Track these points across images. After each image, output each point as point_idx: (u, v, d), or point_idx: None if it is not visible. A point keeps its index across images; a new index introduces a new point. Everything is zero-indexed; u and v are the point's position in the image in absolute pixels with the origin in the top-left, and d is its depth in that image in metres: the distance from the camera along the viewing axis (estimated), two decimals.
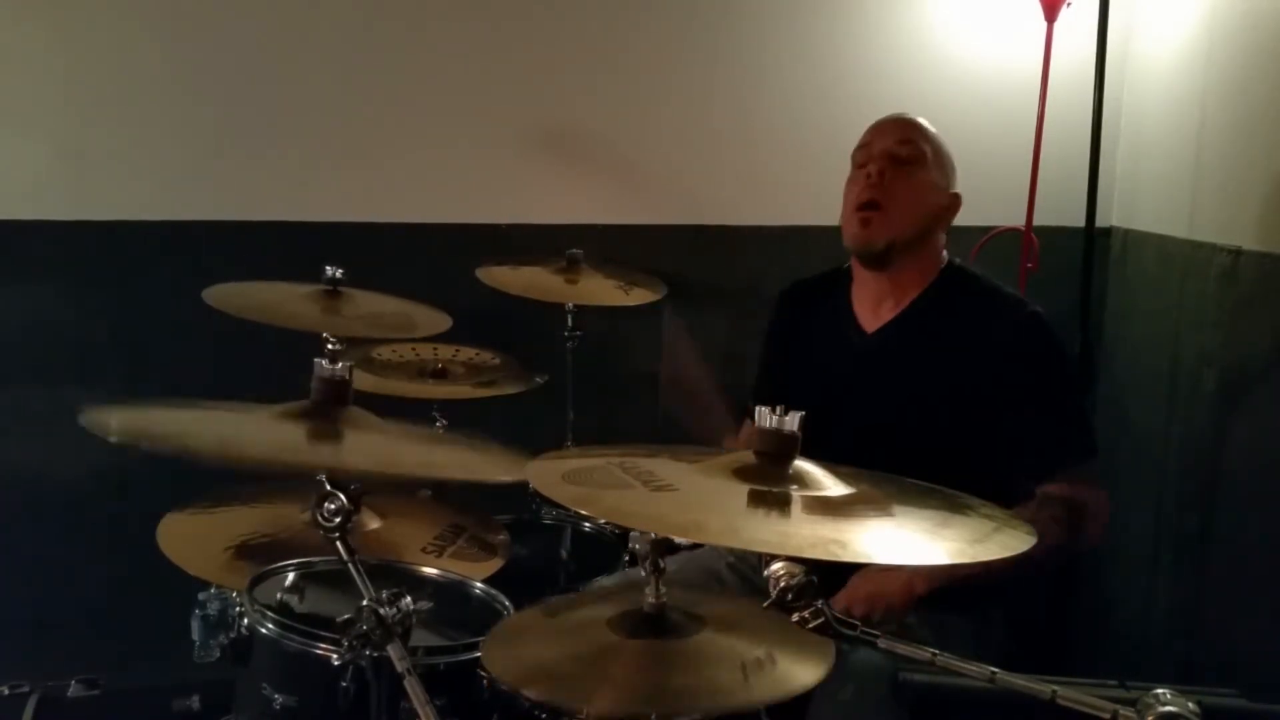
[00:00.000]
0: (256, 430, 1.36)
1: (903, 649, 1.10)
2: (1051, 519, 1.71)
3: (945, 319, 1.89)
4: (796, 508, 1.17)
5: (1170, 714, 0.94)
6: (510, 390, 2.29)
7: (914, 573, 1.72)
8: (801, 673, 1.22)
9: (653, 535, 1.24)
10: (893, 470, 1.34)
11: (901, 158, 1.88)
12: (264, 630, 1.43)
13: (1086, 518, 1.78)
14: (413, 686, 1.17)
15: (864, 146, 1.94)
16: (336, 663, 1.26)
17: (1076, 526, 1.75)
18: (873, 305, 1.96)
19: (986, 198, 2.63)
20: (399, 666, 1.18)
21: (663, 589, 1.27)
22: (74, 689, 1.92)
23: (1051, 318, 1.85)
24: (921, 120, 1.96)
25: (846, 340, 1.97)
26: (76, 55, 2.56)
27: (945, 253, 1.97)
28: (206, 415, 1.46)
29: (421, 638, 1.38)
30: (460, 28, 2.65)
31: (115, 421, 1.31)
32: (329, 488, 1.26)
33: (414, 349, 2.38)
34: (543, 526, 2.26)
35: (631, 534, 1.27)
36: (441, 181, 2.68)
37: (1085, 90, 2.53)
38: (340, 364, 1.42)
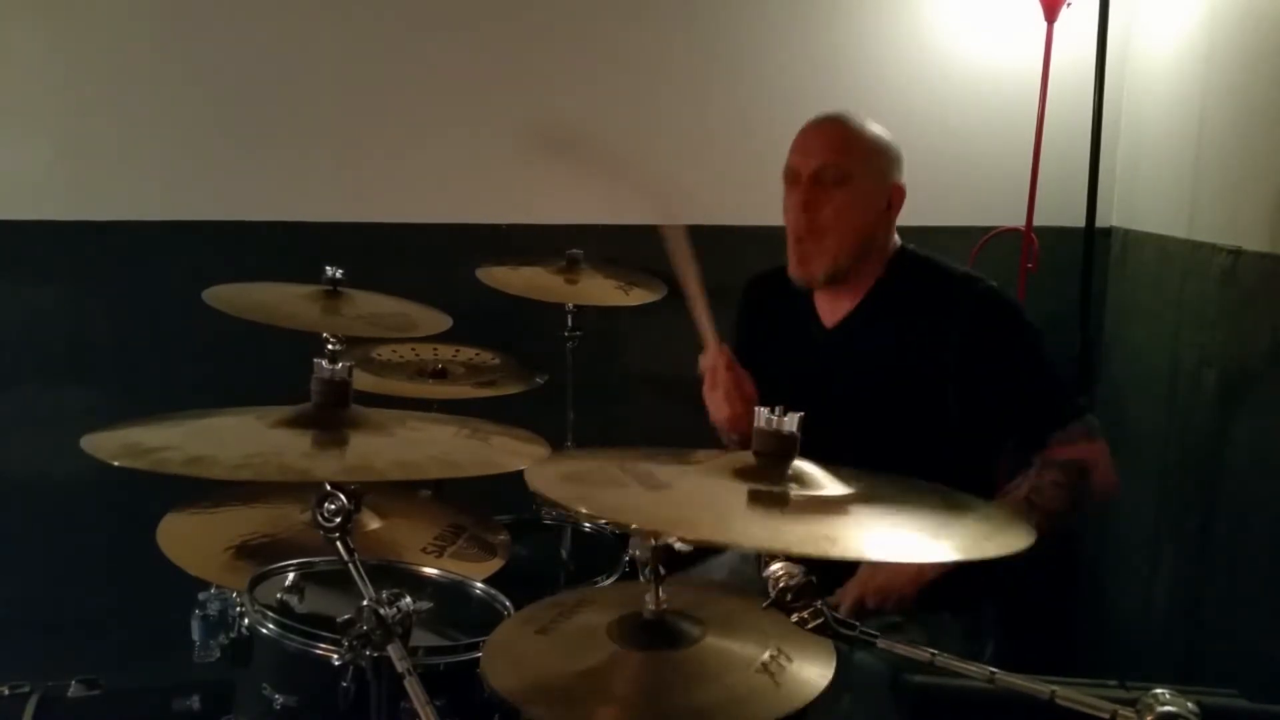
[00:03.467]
0: (261, 443, 1.35)
1: (902, 649, 1.10)
2: (1053, 484, 1.74)
3: (901, 306, 1.89)
4: (794, 506, 1.17)
5: (1170, 714, 0.94)
6: (510, 390, 2.29)
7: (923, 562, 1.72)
8: (812, 673, 1.22)
9: (653, 541, 1.24)
10: (865, 463, 1.34)
11: (826, 182, 1.83)
12: (264, 630, 1.42)
13: (1090, 472, 1.78)
14: (413, 686, 1.17)
15: (791, 168, 1.88)
16: (336, 663, 1.26)
17: (1081, 484, 1.76)
18: (830, 300, 1.96)
19: (986, 198, 2.65)
20: (399, 666, 1.18)
21: (663, 596, 1.27)
22: (74, 689, 1.92)
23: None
24: (849, 123, 1.87)
25: (808, 335, 1.98)
26: (76, 55, 2.56)
27: (896, 238, 1.94)
28: (208, 426, 1.45)
29: (421, 638, 1.38)
30: (460, 28, 2.65)
31: (116, 449, 1.29)
32: (329, 488, 1.26)
33: (414, 349, 2.38)
34: (543, 526, 2.26)
35: (631, 540, 1.27)
36: (441, 181, 2.68)
37: (1085, 90, 2.53)
38: (340, 364, 1.42)
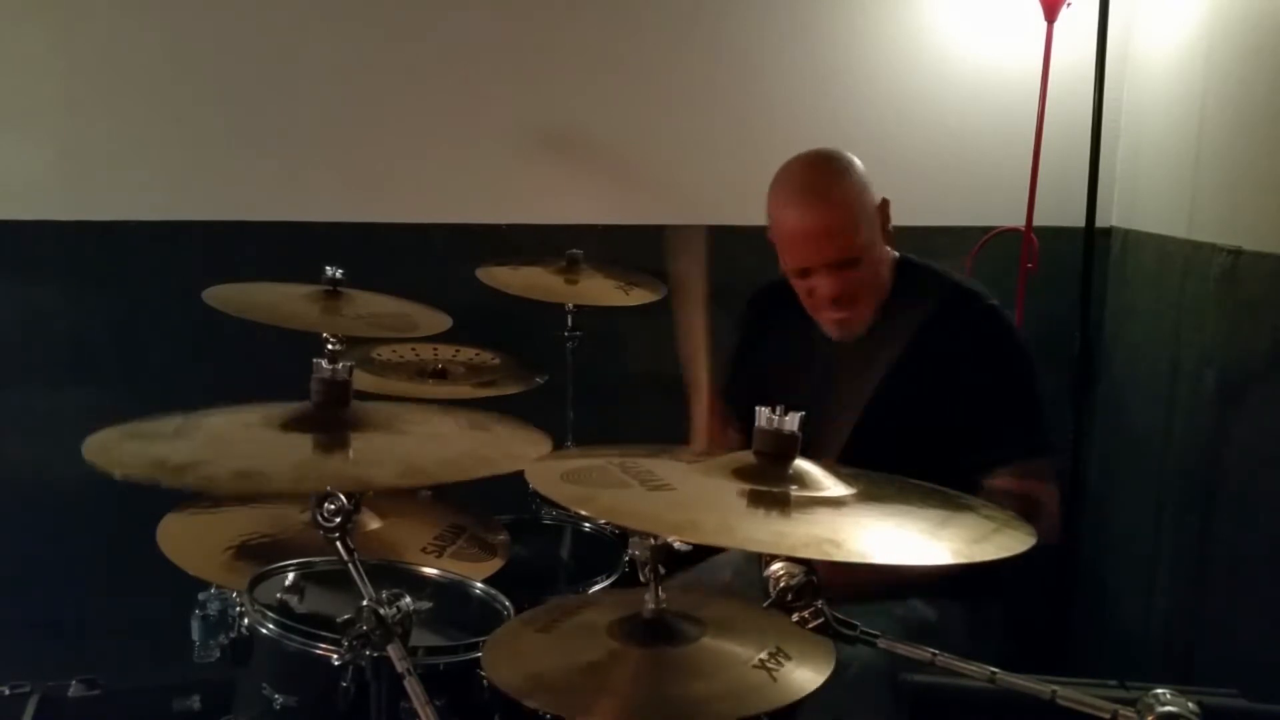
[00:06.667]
0: (264, 450, 1.34)
1: (903, 649, 1.10)
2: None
3: (907, 321, 1.88)
4: (794, 507, 1.17)
5: (1170, 714, 0.94)
6: (510, 390, 2.29)
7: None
8: (811, 669, 1.22)
9: (652, 541, 1.24)
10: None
11: (844, 264, 1.83)
12: (264, 630, 1.42)
13: (1036, 514, 1.70)
14: (413, 686, 1.17)
15: (798, 267, 1.87)
16: (336, 663, 1.26)
17: (1030, 519, 1.72)
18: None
19: (986, 198, 2.65)
20: (399, 666, 1.18)
21: (662, 595, 1.27)
22: (74, 689, 1.92)
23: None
24: (833, 189, 1.84)
25: (815, 348, 1.98)
26: (76, 55, 2.56)
27: (892, 251, 1.95)
28: (209, 429, 1.44)
29: (421, 638, 1.38)
30: (460, 28, 2.65)
31: (120, 462, 1.27)
32: (329, 488, 1.26)
33: (414, 349, 2.38)
34: (543, 526, 2.26)
35: (631, 540, 1.27)
36: (441, 181, 2.68)
37: (1085, 90, 2.53)
38: (340, 364, 1.42)
